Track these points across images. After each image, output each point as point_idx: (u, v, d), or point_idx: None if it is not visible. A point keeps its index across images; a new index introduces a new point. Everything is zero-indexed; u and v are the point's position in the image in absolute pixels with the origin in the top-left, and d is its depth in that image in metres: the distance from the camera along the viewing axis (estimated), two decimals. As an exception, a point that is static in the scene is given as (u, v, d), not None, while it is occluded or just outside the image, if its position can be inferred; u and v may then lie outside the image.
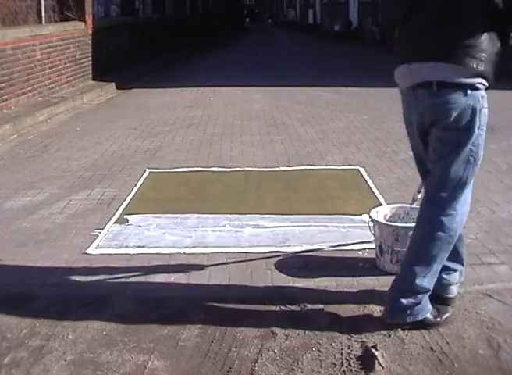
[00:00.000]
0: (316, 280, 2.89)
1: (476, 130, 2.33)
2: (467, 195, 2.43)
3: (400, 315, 2.45)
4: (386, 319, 2.48)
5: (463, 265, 2.70)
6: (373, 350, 2.27)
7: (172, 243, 3.37)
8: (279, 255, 3.17)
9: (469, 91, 2.30)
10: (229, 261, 3.11)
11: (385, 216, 3.10)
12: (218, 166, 4.95)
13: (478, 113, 2.32)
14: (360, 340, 2.36)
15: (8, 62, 7.27)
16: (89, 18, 10.06)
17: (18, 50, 7.49)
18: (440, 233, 2.39)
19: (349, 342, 2.35)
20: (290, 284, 2.85)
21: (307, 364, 2.21)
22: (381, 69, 12.26)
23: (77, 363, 2.24)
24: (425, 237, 2.44)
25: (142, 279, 2.93)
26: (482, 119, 2.35)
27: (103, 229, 3.58)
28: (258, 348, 2.32)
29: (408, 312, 2.43)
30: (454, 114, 2.31)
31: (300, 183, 4.47)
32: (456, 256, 2.62)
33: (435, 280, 2.47)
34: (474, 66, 2.28)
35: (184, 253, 3.22)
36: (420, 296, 2.43)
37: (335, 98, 8.70)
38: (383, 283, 2.85)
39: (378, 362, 2.20)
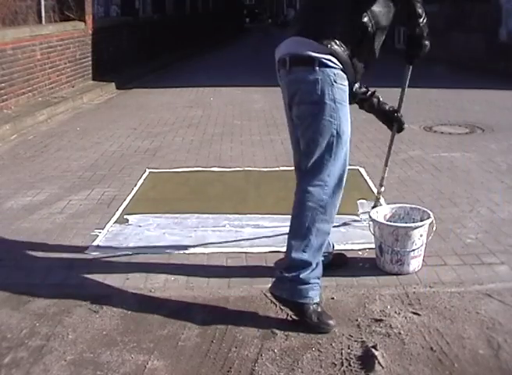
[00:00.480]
0: (316, 280, 2.89)
1: (329, 103, 2.43)
2: (335, 167, 2.49)
3: (279, 287, 2.49)
4: (269, 289, 2.55)
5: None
6: (373, 350, 2.27)
7: (172, 243, 3.37)
8: (278, 255, 3.17)
9: (317, 68, 2.41)
10: (229, 261, 3.12)
11: (385, 216, 3.11)
12: (218, 166, 4.95)
13: (329, 87, 2.42)
14: (360, 340, 2.36)
15: (8, 62, 7.27)
16: (89, 18, 10.06)
17: (18, 50, 7.49)
18: (309, 204, 2.45)
19: (349, 342, 2.35)
20: (290, 284, 2.84)
21: (307, 364, 2.21)
22: (381, 69, 12.29)
23: (77, 363, 2.24)
24: (296, 208, 2.51)
25: (142, 279, 2.93)
26: (337, 94, 2.45)
27: (103, 229, 3.58)
28: (258, 348, 2.32)
29: (287, 286, 2.46)
30: (304, 89, 2.44)
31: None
32: None
33: (318, 256, 2.50)
34: (324, 43, 2.40)
35: (184, 253, 3.22)
36: (302, 272, 2.43)
37: (335, 98, 8.68)
38: (383, 283, 2.85)
39: (378, 362, 2.20)
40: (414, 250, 2.91)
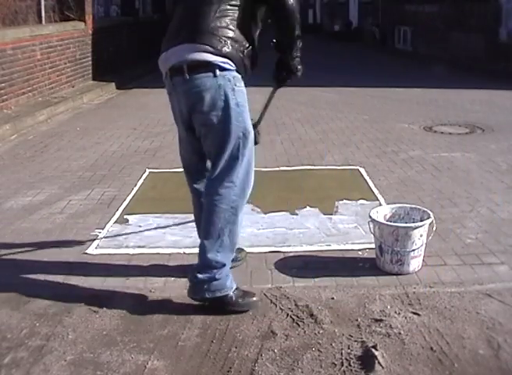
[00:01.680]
0: (316, 280, 2.89)
1: (233, 107, 2.48)
2: (243, 168, 2.55)
3: (198, 290, 2.55)
4: (188, 295, 2.59)
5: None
6: (373, 350, 2.27)
7: (172, 243, 3.37)
8: (278, 255, 3.17)
9: (218, 72, 2.44)
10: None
11: (385, 216, 3.11)
12: (218, 166, 4.94)
13: (230, 92, 2.47)
14: (360, 340, 2.36)
15: (8, 62, 7.27)
16: (89, 18, 10.05)
17: (18, 50, 7.49)
18: (222, 206, 2.51)
19: (349, 342, 2.35)
20: (290, 284, 2.85)
21: (307, 364, 2.21)
22: (381, 69, 12.31)
23: (77, 363, 2.24)
24: (209, 210, 2.55)
25: (142, 279, 2.93)
26: (239, 97, 2.50)
27: (103, 229, 3.58)
28: (258, 348, 2.32)
29: (205, 287, 2.52)
30: (208, 96, 2.45)
31: (300, 183, 4.47)
32: None
33: (231, 255, 2.59)
34: (219, 47, 2.43)
35: (184, 253, 3.22)
36: (215, 271, 2.51)
37: (335, 98, 8.70)
38: (383, 283, 2.85)
39: (378, 362, 2.20)
40: (414, 250, 2.91)
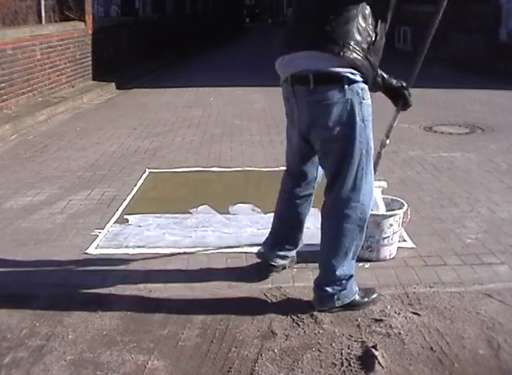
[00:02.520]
0: (316, 280, 2.89)
1: (359, 123, 2.37)
2: (367, 185, 2.49)
3: (327, 302, 2.57)
4: (316, 306, 2.59)
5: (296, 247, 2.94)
6: (373, 350, 2.27)
7: (172, 243, 3.37)
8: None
9: (346, 86, 2.32)
10: (228, 261, 3.12)
11: None
12: (218, 166, 4.95)
13: (358, 106, 2.36)
14: (360, 340, 2.36)
15: (8, 62, 7.26)
16: (89, 18, 10.05)
17: (18, 50, 7.49)
18: (349, 226, 2.47)
19: (349, 342, 2.35)
20: (290, 284, 2.85)
21: (307, 364, 2.21)
22: (381, 69, 12.29)
23: (77, 363, 2.24)
24: (336, 231, 2.51)
25: (142, 279, 2.93)
26: (365, 112, 2.40)
27: (103, 229, 3.58)
28: (258, 348, 2.32)
29: (335, 297, 2.55)
30: (334, 111, 2.33)
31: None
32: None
33: (354, 264, 2.59)
34: (346, 55, 2.28)
35: (184, 253, 3.22)
36: (344, 283, 2.54)
37: (335, 98, 8.68)
38: (383, 283, 2.85)
39: (378, 362, 2.20)
40: (384, 238, 3.01)
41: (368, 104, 2.43)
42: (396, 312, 2.57)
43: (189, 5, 19.36)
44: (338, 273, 2.51)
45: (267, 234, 3.05)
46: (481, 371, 2.18)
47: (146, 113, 7.58)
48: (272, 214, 3.78)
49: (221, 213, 3.81)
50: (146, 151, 5.57)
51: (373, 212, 3.08)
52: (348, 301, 2.56)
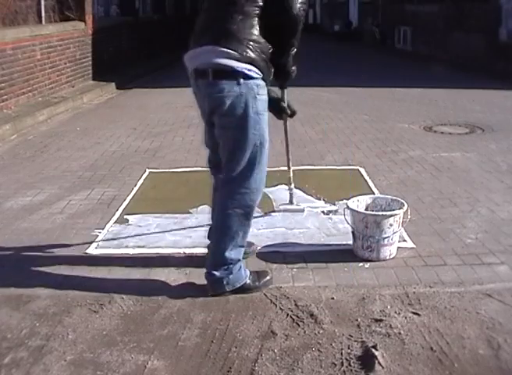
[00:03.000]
0: (316, 280, 2.89)
1: (252, 116, 2.54)
2: (259, 174, 2.67)
3: (217, 286, 2.69)
4: (209, 292, 2.71)
5: None
6: (373, 350, 2.27)
7: (172, 243, 3.37)
8: (278, 255, 3.17)
9: (242, 80, 2.47)
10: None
11: (367, 205, 3.25)
12: (218, 166, 4.94)
13: (252, 100, 2.51)
14: (360, 340, 2.36)
15: (8, 62, 7.27)
16: (89, 18, 10.05)
17: (18, 50, 7.49)
18: (237, 210, 2.62)
19: (349, 342, 2.35)
20: (290, 284, 2.85)
21: (307, 364, 2.21)
22: (381, 69, 12.31)
23: (77, 363, 2.24)
24: (224, 214, 2.65)
25: (142, 279, 2.93)
26: (260, 105, 2.55)
27: (103, 229, 3.58)
28: (258, 348, 2.32)
29: (225, 282, 2.67)
30: (228, 102, 2.49)
31: (300, 183, 4.47)
32: None
33: (242, 250, 2.73)
34: (244, 53, 2.45)
35: (184, 253, 3.22)
36: (231, 266, 2.66)
37: (335, 98, 8.70)
38: (383, 283, 2.85)
39: (378, 362, 2.20)
40: (384, 238, 3.02)
41: (263, 99, 2.57)
42: (396, 312, 2.57)
43: (189, 5, 19.35)
44: (226, 255, 2.63)
45: (267, 234, 3.06)
46: (481, 371, 2.18)
47: (146, 113, 7.58)
48: (272, 214, 3.79)
49: (221, 213, 3.80)
50: (146, 151, 5.57)
51: (373, 212, 3.10)
52: (239, 285, 2.69)
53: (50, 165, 5.12)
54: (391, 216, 3.04)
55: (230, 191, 2.64)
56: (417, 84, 9.47)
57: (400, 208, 3.12)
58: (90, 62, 10.04)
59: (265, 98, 2.60)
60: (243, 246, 2.73)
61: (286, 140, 3.67)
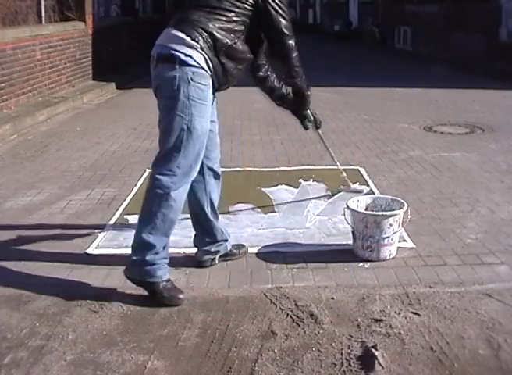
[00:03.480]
0: (316, 280, 2.89)
1: (182, 99, 2.56)
2: (186, 161, 2.64)
3: (131, 271, 2.69)
4: (124, 272, 2.72)
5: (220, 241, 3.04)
6: (373, 350, 2.27)
7: (172, 243, 3.35)
8: (278, 255, 3.17)
9: (177, 66, 2.54)
10: (228, 261, 3.11)
11: (367, 205, 3.26)
12: (218, 166, 4.94)
13: (185, 85, 2.54)
14: (360, 340, 2.36)
15: (8, 62, 7.27)
16: (89, 18, 10.05)
17: (18, 50, 7.49)
18: (157, 191, 2.61)
19: (349, 342, 2.35)
20: (290, 284, 2.85)
21: (307, 364, 2.21)
22: (381, 69, 12.31)
23: (77, 363, 2.24)
24: (146, 193, 2.68)
25: (142, 279, 2.92)
26: (193, 91, 2.56)
27: (103, 229, 3.57)
28: (258, 348, 2.32)
29: (137, 269, 2.66)
30: (163, 84, 2.60)
31: (300, 183, 4.47)
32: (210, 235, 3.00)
33: (165, 240, 2.66)
34: (192, 40, 2.53)
35: (184, 253, 3.22)
36: (147, 253, 2.62)
37: (335, 98, 8.70)
38: (383, 283, 2.85)
39: (378, 362, 2.20)
40: (384, 238, 3.01)
41: (198, 87, 2.57)
42: (396, 312, 2.57)
43: (189, 5, 19.34)
44: (143, 236, 2.61)
45: (267, 234, 3.06)
46: (481, 371, 2.18)
47: (146, 113, 7.57)
48: (272, 214, 3.79)
49: (221, 213, 3.80)
50: (146, 151, 5.57)
51: (373, 212, 3.11)
52: (148, 280, 2.65)
53: (50, 165, 5.12)
54: (391, 216, 3.04)
55: (155, 170, 2.67)
56: (417, 84, 9.47)
57: (400, 208, 3.12)
58: (90, 62, 10.04)
59: (204, 87, 2.59)
60: (166, 235, 2.66)
61: (325, 144, 4.11)
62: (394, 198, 3.30)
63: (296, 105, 3.16)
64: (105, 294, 2.76)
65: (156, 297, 2.66)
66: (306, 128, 3.47)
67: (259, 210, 3.87)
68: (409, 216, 3.18)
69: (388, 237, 3.03)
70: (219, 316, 2.56)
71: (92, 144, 5.91)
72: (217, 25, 2.56)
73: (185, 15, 2.64)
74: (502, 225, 3.56)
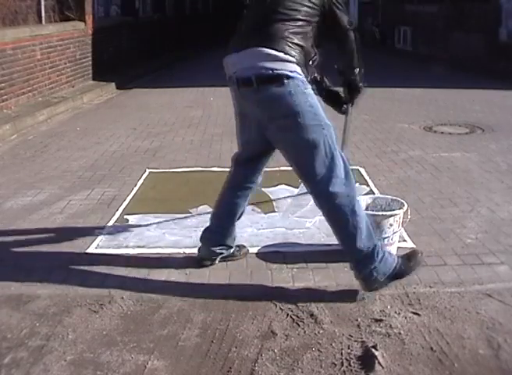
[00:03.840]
0: (316, 280, 2.89)
1: (307, 109, 2.52)
2: (340, 158, 2.59)
3: (371, 283, 2.63)
4: (365, 290, 2.67)
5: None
6: (373, 350, 2.27)
7: (172, 243, 3.37)
8: (278, 255, 3.17)
9: (285, 81, 2.50)
10: (229, 261, 3.11)
11: (367, 205, 3.23)
12: (218, 166, 4.94)
13: (302, 96, 2.52)
14: (360, 340, 2.36)
15: (8, 62, 7.26)
16: (89, 18, 10.05)
17: (18, 50, 7.48)
18: (339, 202, 2.55)
19: (349, 342, 2.35)
20: (290, 284, 2.85)
21: (307, 364, 2.21)
22: (381, 69, 12.30)
23: (77, 363, 2.24)
24: (331, 213, 2.63)
25: (142, 279, 2.93)
26: (309, 97, 2.56)
27: (103, 229, 3.57)
28: (258, 348, 2.32)
29: (375, 276, 2.60)
30: (282, 104, 2.51)
31: (300, 183, 4.47)
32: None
33: (372, 233, 2.63)
34: (288, 55, 2.51)
35: (184, 253, 3.22)
36: (373, 259, 2.58)
37: (335, 98, 8.68)
38: (383, 283, 2.85)
39: (378, 362, 2.20)
40: (384, 238, 3.00)
41: (310, 93, 2.58)
42: (396, 312, 2.57)
43: (189, 5, 19.36)
44: (362, 251, 2.57)
45: (267, 234, 3.05)
46: (481, 371, 2.18)
47: (146, 113, 7.58)
48: (272, 214, 3.79)
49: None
50: (146, 151, 5.57)
51: (373, 212, 3.10)
52: (391, 272, 2.61)
53: (50, 165, 5.12)
54: (391, 216, 3.03)
55: (325, 188, 2.56)
56: (417, 84, 9.47)
57: (400, 208, 3.12)
58: (90, 62, 10.04)
59: (311, 91, 2.60)
60: (369, 229, 2.62)
61: (346, 125, 3.54)
62: (394, 198, 3.30)
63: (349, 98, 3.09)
64: (105, 294, 2.76)
65: (406, 276, 2.68)
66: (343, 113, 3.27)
67: (259, 210, 3.87)
68: (409, 216, 3.18)
69: (388, 237, 3.03)
70: (219, 316, 2.56)
71: (92, 144, 5.91)
72: (299, 36, 2.57)
73: (266, 30, 2.58)
74: (502, 225, 3.56)
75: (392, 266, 2.63)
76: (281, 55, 2.50)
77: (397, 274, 2.64)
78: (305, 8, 2.60)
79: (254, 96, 2.56)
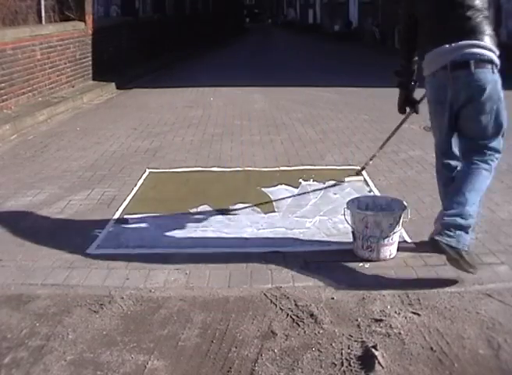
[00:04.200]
0: (316, 280, 2.89)
1: (503, 100, 2.97)
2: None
3: (459, 241, 2.80)
4: (458, 246, 2.80)
5: None
6: (373, 350, 2.27)
7: (172, 243, 3.37)
8: (278, 255, 3.17)
9: (495, 69, 2.92)
10: (229, 261, 3.12)
11: (367, 205, 3.28)
12: (218, 166, 4.95)
13: (500, 87, 2.95)
14: (360, 340, 2.36)
15: (8, 62, 7.27)
16: (89, 18, 10.06)
17: (18, 50, 7.49)
18: (490, 175, 3.04)
19: (349, 342, 2.35)
20: (290, 284, 2.85)
21: (307, 364, 2.21)
22: (381, 69, 12.28)
23: (77, 363, 2.24)
24: (483, 178, 2.99)
25: (142, 279, 2.93)
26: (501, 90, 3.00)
27: (103, 229, 3.57)
28: (258, 348, 2.32)
29: (461, 239, 2.80)
30: (488, 88, 2.89)
31: (300, 183, 4.47)
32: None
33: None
34: (495, 49, 2.95)
35: (184, 253, 3.22)
36: (469, 220, 2.85)
37: (335, 98, 8.70)
38: (383, 283, 2.85)
39: (378, 362, 2.20)
40: (384, 238, 3.02)
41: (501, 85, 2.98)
42: (396, 312, 2.57)
43: (189, 5, 19.38)
44: (468, 208, 2.86)
45: (267, 234, 3.03)
46: (481, 371, 2.18)
47: (146, 113, 7.58)
48: (272, 214, 3.79)
49: (221, 213, 3.81)
50: (146, 151, 5.57)
51: (373, 212, 3.11)
52: (466, 248, 2.80)
53: (50, 165, 5.12)
54: (391, 215, 3.04)
55: (490, 160, 3.02)
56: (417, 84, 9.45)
57: (400, 208, 3.12)
58: (90, 62, 10.05)
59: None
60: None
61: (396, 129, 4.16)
62: (394, 197, 3.30)
63: None
64: (105, 294, 2.76)
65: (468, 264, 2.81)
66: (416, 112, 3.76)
67: (259, 210, 3.87)
68: (409, 216, 3.18)
69: (388, 237, 3.03)
70: (219, 316, 2.56)
71: (92, 144, 5.91)
72: (493, 32, 3.01)
73: (469, 24, 2.96)
74: (502, 225, 3.56)
75: (468, 244, 2.85)
76: (493, 49, 2.93)
77: (466, 255, 2.81)
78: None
79: (467, 78, 2.89)
